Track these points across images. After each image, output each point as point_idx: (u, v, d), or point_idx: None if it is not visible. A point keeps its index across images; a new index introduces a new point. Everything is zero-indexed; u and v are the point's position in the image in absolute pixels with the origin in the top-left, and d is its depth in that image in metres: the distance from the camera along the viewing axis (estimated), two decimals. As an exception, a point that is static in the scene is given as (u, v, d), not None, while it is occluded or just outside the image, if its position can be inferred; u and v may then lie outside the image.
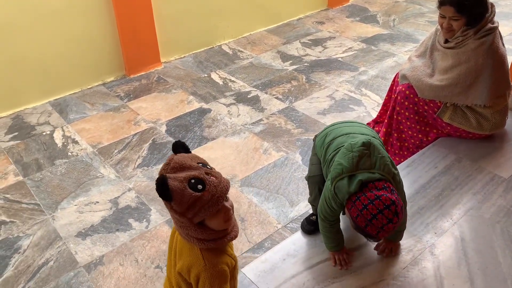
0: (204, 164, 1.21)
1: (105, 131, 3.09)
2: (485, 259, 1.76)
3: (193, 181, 1.14)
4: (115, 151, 2.89)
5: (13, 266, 2.12)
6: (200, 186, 1.14)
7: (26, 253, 2.18)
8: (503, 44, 2.28)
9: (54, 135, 3.07)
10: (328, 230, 1.72)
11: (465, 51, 2.21)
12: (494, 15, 2.23)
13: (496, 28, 2.22)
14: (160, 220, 2.34)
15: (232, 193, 2.50)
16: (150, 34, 3.72)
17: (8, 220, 2.38)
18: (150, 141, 2.97)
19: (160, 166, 2.70)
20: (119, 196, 2.52)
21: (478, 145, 2.39)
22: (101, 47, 3.57)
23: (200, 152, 2.85)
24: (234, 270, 1.34)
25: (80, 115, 3.28)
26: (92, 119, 3.23)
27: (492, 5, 2.23)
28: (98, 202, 2.49)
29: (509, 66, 2.35)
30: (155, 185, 1.14)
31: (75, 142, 3.00)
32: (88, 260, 2.14)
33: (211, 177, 1.17)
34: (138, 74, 3.78)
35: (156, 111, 3.30)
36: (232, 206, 1.25)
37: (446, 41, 2.29)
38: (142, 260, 2.12)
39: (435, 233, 1.90)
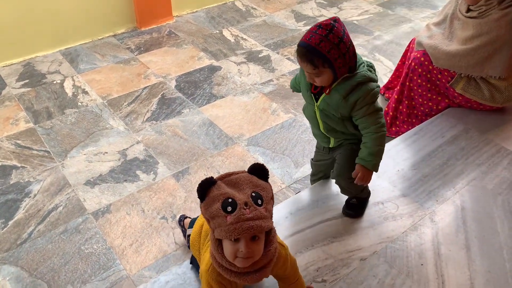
0: (258, 197, 1.17)
1: (115, 83, 3.10)
2: (483, 228, 1.80)
3: (229, 200, 1.14)
4: (125, 104, 2.91)
5: (23, 209, 2.19)
6: (229, 208, 1.13)
7: (36, 198, 2.25)
8: None
9: (65, 84, 3.09)
10: None
11: (487, 21, 2.16)
12: None
13: None
14: (167, 173, 2.39)
15: (238, 151, 2.53)
16: (163, -14, 3.65)
17: (19, 165, 2.44)
18: (160, 96, 2.98)
19: (169, 121, 2.74)
20: (127, 148, 2.56)
21: (487, 117, 2.38)
22: (113, -3, 3.52)
23: (209, 109, 2.86)
24: None
25: (91, 65, 3.28)
26: (102, 70, 3.23)
27: None
28: (107, 152, 2.53)
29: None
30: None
31: (85, 92, 3.01)
32: (96, 207, 2.20)
33: (246, 209, 1.13)
34: (149, 27, 3.74)
35: (166, 65, 3.28)
36: (257, 256, 1.19)
37: (468, 10, 2.24)
38: (148, 211, 2.18)
39: (437, 200, 1.93)
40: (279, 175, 2.39)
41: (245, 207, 1.13)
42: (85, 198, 2.25)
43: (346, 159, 1.70)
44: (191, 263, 1.66)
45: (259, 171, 1.22)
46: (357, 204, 1.86)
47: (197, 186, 1.17)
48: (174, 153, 2.52)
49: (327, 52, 1.42)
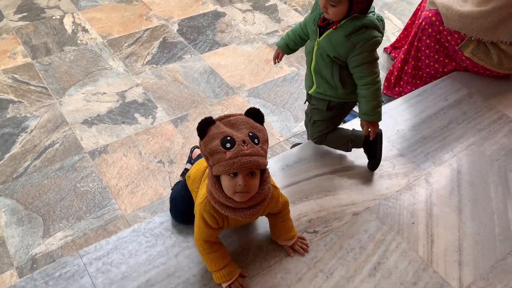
0: (255, 137, 1.23)
1: (116, 23, 3.01)
2: (477, 192, 1.81)
3: (228, 138, 1.20)
4: (125, 45, 2.84)
5: (20, 143, 2.19)
6: (228, 145, 1.19)
7: (33, 133, 2.24)
8: None
9: (64, 20, 3.00)
10: None
11: None
12: None
13: None
14: (165, 118, 2.37)
15: (238, 102, 2.50)
16: None
17: (16, 99, 2.41)
18: (161, 39, 2.91)
19: (169, 66, 2.69)
20: (126, 90, 2.52)
21: (492, 83, 2.35)
22: None
23: (211, 57, 2.80)
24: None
25: (92, 3, 3.17)
26: (103, 9, 3.13)
27: None
28: (105, 93, 2.50)
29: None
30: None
31: (85, 30, 2.93)
32: (93, 147, 2.20)
33: (245, 146, 1.20)
34: (154, -33, 3.59)
35: (169, 8, 3.18)
36: (253, 191, 1.24)
37: None
38: (145, 154, 2.18)
39: (434, 162, 1.93)
40: (278, 128, 2.37)
41: (243, 144, 1.20)
42: (82, 137, 2.24)
43: (314, 114, 1.79)
44: (170, 210, 1.64)
45: (256, 114, 1.29)
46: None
47: (197, 124, 1.22)
48: (174, 98, 2.49)
49: None
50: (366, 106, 1.63)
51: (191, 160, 1.97)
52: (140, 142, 2.23)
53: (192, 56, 2.80)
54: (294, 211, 1.68)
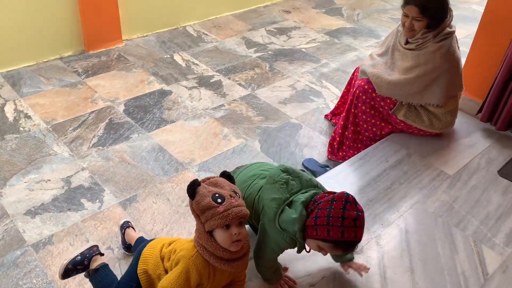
0: (236, 192, 1.45)
1: (60, 107, 2.99)
2: (426, 251, 1.87)
3: (217, 195, 1.39)
4: (70, 129, 2.81)
5: (-45, 242, 2.04)
6: (219, 200, 1.38)
7: (-30, 230, 2.11)
8: (458, 47, 2.39)
9: (5, 108, 2.95)
10: (272, 269, 1.67)
11: (424, 53, 2.30)
12: (452, 20, 2.32)
13: (453, 32, 2.32)
14: (113, 201, 2.32)
15: (188, 177, 2.50)
16: (112, 10, 3.61)
17: (-49, 194, 2.28)
18: (107, 120, 2.91)
19: (116, 147, 2.68)
20: (72, 175, 2.46)
21: (428, 142, 2.51)
22: (59, 19, 3.43)
23: (159, 134, 2.82)
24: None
25: (35, 89, 3.16)
26: (46, 94, 3.11)
27: (451, 10, 2.32)
28: (49, 180, 2.42)
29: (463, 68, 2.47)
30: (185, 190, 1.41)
31: (27, 117, 2.89)
32: (36, 239, 2.09)
33: (233, 199, 1.40)
34: (98, 50, 3.67)
35: (115, 89, 3.22)
36: (244, 239, 1.42)
37: (407, 42, 2.37)
38: (93, 241, 2.09)
39: (382, 224, 1.99)
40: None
41: (231, 198, 1.40)
42: (25, 229, 2.13)
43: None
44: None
45: (228, 176, 1.52)
46: None
47: (187, 187, 1.40)
48: (121, 180, 2.46)
49: (360, 238, 1.43)
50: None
51: (126, 244, 1.95)
52: (88, 229, 2.15)
53: (140, 135, 2.81)
54: (254, 286, 1.65)
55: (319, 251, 1.47)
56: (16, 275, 1.92)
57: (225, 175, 1.52)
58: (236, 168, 1.94)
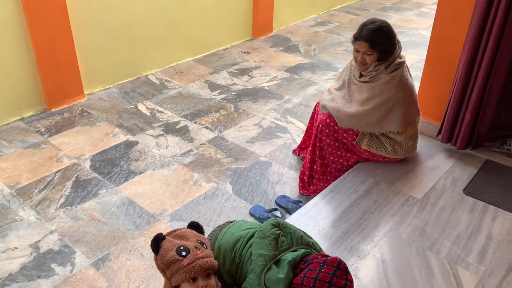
0: (202, 243, 1.44)
1: (23, 170, 2.92)
2: (403, 278, 1.88)
3: (182, 248, 1.38)
4: (35, 191, 2.74)
5: None
6: (184, 253, 1.37)
7: None
8: (410, 75, 2.50)
9: (-34, 176, 2.86)
10: None
11: (378, 84, 2.40)
12: (400, 50, 2.44)
13: (403, 62, 2.44)
14: (85, 262, 2.24)
15: (161, 229, 2.46)
16: (72, 65, 3.61)
17: None
18: (74, 178, 2.86)
19: (85, 205, 2.62)
20: (40, 240, 2.38)
21: (393, 168, 2.57)
22: (17, 79, 3.40)
23: (127, 187, 2.78)
24: None
25: (-4, 153, 3.08)
26: (9, 158, 3.04)
27: (399, 42, 2.45)
28: (16, 248, 2.33)
29: (417, 94, 2.57)
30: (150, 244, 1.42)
31: (-11, 183, 2.80)
32: (5, 313, 1.99)
33: (198, 251, 1.39)
34: (60, 108, 3.64)
35: (80, 146, 3.18)
36: None
37: (361, 75, 2.47)
38: (66, 308, 2.01)
39: (358, 256, 2.00)
40: (206, 248, 2.34)
41: (196, 250, 1.39)
42: (-8, 303, 2.03)
43: None
44: None
45: (196, 227, 1.52)
46: None
47: (150, 242, 1.40)
48: (92, 239, 2.39)
49: None
50: None
51: None
52: (60, 296, 2.07)
53: (108, 190, 2.76)
54: None
55: None
56: None
57: (193, 225, 1.52)
58: (219, 228, 1.87)
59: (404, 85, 2.41)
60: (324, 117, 2.57)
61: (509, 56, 2.45)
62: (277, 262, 1.47)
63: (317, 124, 2.62)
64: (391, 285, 1.85)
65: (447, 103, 2.75)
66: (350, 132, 2.52)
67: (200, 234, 1.51)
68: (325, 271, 1.36)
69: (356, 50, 2.39)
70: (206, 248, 1.45)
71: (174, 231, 1.48)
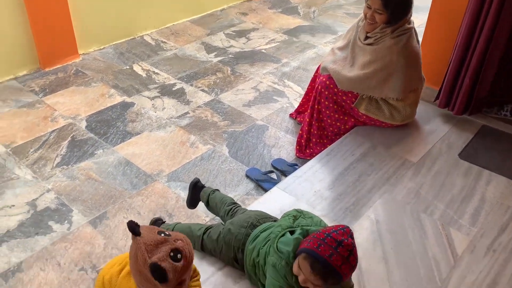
0: (160, 231, 1.31)
1: (18, 129, 2.90)
2: (397, 239, 1.91)
3: (172, 254, 1.27)
4: (31, 150, 2.73)
5: None
6: (179, 256, 1.27)
7: None
8: (418, 42, 2.45)
9: (-40, 135, 2.83)
10: None
11: (381, 48, 2.36)
12: (411, 16, 2.38)
13: (411, 28, 2.38)
14: (82, 220, 2.26)
15: (158, 189, 2.47)
16: (66, 24, 3.52)
17: None
18: (69, 138, 2.84)
19: (81, 164, 2.62)
20: (37, 198, 2.39)
21: (391, 132, 2.57)
22: (10, 37, 3.32)
23: (124, 148, 2.77)
24: None
25: (-10, 112, 3.05)
26: (3, 117, 3.01)
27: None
28: (14, 205, 2.34)
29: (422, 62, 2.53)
30: (151, 271, 1.24)
31: (-16, 142, 2.78)
32: (4, 267, 2.02)
33: (178, 242, 1.29)
34: (54, 67, 3.57)
35: (75, 106, 3.15)
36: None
37: (366, 38, 2.42)
38: (65, 264, 2.04)
39: (353, 217, 2.02)
40: (203, 208, 2.35)
41: (177, 242, 1.30)
42: (-9, 258, 2.06)
43: None
44: None
45: (136, 225, 1.31)
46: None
47: (156, 278, 1.24)
48: (89, 198, 2.40)
49: (344, 274, 1.34)
50: None
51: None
52: (58, 252, 2.09)
53: (105, 150, 2.75)
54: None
55: (297, 274, 1.39)
56: (-14, 308, 1.85)
57: (134, 225, 1.31)
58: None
59: (408, 52, 2.37)
60: (324, 79, 2.55)
61: (511, 21, 2.41)
62: (292, 232, 1.48)
63: (316, 86, 2.60)
64: (385, 245, 1.88)
65: (447, 68, 2.72)
66: (350, 95, 2.50)
67: (150, 226, 1.36)
68: (339, 232, 1.36)
69: (368, 7, 2.31)
70: (165, 232, 1.34)
71: (140, 248, 1.27)
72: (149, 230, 1.31)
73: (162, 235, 1.30)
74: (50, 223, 2.25)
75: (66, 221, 2.26)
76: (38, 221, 2.25)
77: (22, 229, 2.21)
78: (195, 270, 1.51)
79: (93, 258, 2.07)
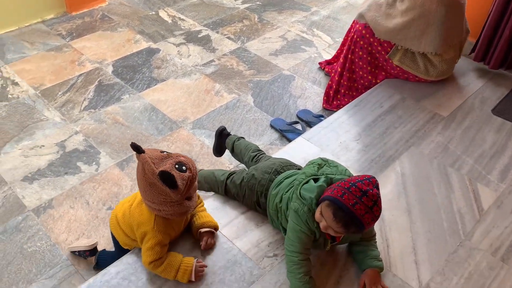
0: (162, 151, 1.41)
1: (47, 72, 2.93)
2: (422, 192, 1.89)
3: (177, 166, 1.35)
4: (59, 93, 2.76)
5: (-45, 212, 2.05)
6: (184, 167, 1.36)
7: (-31, 199, 2.11)
8: None
9: (-9, 76, 2.88)
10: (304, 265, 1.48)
11: None
12: None
13: None
14: (110, 162, 2.31)
15: (183, 135, 2.49)
16: (92, -33, 3.46)
17: None
18: (96, 83, 2.86)
19: (108, 108, 2.64)
20: (66, 140, 2.45)
21: (421, 85, 2.49)
22: (37, -20, 3.30)
23: (150, 94, 2.78)
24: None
25: (19, 54, 3.07)
26: (32, 59, 3.04)
27: None
28: (44, 145, 2.41)
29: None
30: (160, 178, 1.33)
31: (15, 83, 2.83)
32: (36, 204, 2.10)
33: (181, 157, 1.38)
34: (81, 11, 3.55)
35: (101, 50, 3.15)
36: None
37: None
38: (93, 203, 2.11)
39: (378, 168, 2.00)
40: (227, 155, 2.37)
41: (181, 157, 1.42)
42: (24, 195, 2.14)
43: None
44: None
45: (139, 147, 1.39)
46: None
47: (167, 184, 1.33)
48: (116, 141, 2.44)
49: (366, 223, 1.33)
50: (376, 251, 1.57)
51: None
52: (87, 191, 2.16)
53: (131, 95, 2.77)
54: (253, 237, 1.68)
55: (319, 221, 1.39)
56: (20, 240, 1.94)
57: (136, 146, 1.37)
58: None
59: (450, 1, 2.23)
60: (360, 28, 2.45)
61: None
62: (316, 180, 1.47)
63: (352, 34, 2.51)
64: (409, 197, 1.87)
65: (484, 21, 2.58)
66: (385, 45, 2.40)
67: (153, 149, 1.43)
68: (365, 182, 1.34)
69: None
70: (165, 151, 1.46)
71: (147, 162, 1.35)
72: (152, 149, 1.40)
73: (165, 153, 1.40)
74: (79, 163, 2.31)
75: (94, 163, 2.31)
76: (67, 162, 2.31)
77: (52, 169, 2.28)
78: (199, 196, 1.63)
79: (120, 198, 2.12)
